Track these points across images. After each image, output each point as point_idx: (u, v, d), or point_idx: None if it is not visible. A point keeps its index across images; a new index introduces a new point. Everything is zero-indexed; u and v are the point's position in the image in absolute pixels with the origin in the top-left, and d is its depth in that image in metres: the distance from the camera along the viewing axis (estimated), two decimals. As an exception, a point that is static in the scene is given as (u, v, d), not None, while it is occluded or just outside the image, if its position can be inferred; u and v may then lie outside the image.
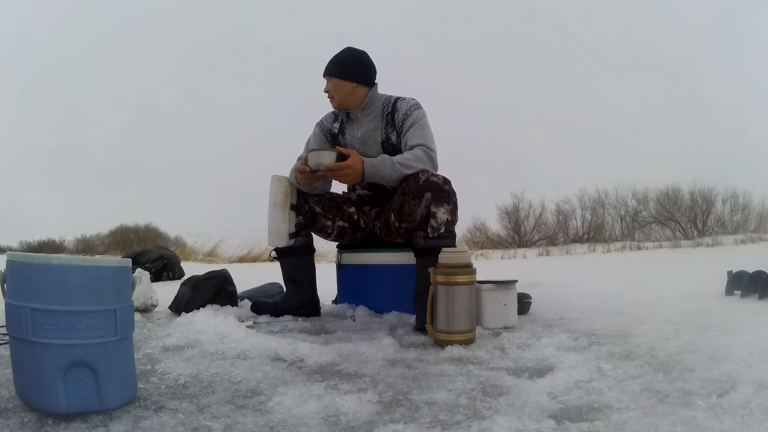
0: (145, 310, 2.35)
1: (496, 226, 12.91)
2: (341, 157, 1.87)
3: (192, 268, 4.40)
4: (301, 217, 2.17)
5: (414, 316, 1.96)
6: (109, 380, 0.96)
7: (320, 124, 2.30)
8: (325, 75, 2.18)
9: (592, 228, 12.42)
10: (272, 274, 2.95)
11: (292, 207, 2.14)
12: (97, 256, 7.16)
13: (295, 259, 2.21)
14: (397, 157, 1.92)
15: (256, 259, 9.18)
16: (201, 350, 1.51)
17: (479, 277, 1.72)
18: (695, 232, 11.47)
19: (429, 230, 1.86)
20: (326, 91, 2.19)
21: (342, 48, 2.19)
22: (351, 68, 2.14)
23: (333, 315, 2.23)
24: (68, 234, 15.93)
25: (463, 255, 1.64)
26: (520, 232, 12.61)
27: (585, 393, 1.09)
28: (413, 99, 2.14)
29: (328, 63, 2.17)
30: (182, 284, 2.39)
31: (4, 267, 0.99)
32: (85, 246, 15.25)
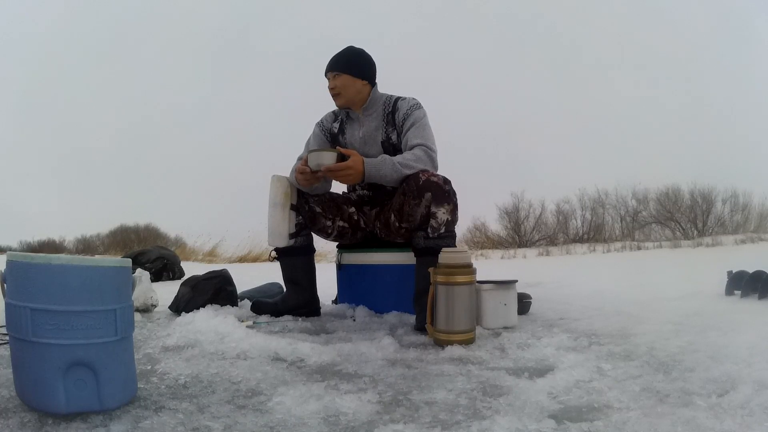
0: (145, 310, 2.35)
1: (496, 226, 12.92)
2: (341, 158, 1.87)
3: (192, 268, 4.40)
4: (301, 217, 2.16)
5: (414, 316, 1.96)
6: (109, 380, 0.96)
7: (320, 124, 2.30)
8: (332, 71, 2.12)
9: (592, 228, 12.42)
10: (272, 274, 2.95)
11: (292, 207, 2.14)
12: (97, 256, 7.16)
13: (295, 259, 2.21)
14: (398, 157, 1.92)
15: (256, 259, 9.18)
16: (201, 350, 1.51)
17: (479, 277, 1.72)
18: (695, 232, 11.47)
19: (429, 230, 1.86)
20: (332, 88, 2.14)
21: (343, 48, 2.17)
22: (360, 66, 2.13)
23: (333, 315, 2.23)
24: (68, 234, 15.93)
25: (463, 255, 1.64)
26: (520, 232, 12.61)
27: (585, 393, 1.09)
28: (414, 99, 2.14)
29: (335, 59, 2.13)
30: (182, 284, 2.39)
31: (4, 267, 0.99)
32: (85, 246, 15.23)
